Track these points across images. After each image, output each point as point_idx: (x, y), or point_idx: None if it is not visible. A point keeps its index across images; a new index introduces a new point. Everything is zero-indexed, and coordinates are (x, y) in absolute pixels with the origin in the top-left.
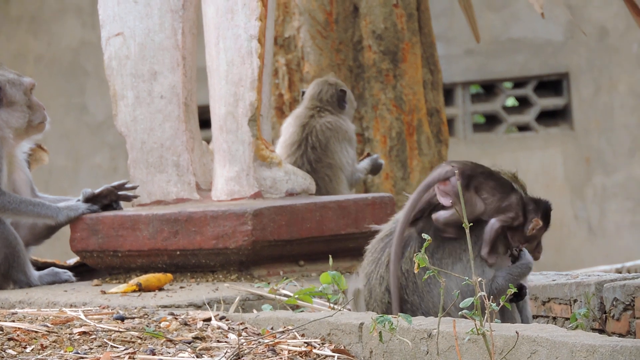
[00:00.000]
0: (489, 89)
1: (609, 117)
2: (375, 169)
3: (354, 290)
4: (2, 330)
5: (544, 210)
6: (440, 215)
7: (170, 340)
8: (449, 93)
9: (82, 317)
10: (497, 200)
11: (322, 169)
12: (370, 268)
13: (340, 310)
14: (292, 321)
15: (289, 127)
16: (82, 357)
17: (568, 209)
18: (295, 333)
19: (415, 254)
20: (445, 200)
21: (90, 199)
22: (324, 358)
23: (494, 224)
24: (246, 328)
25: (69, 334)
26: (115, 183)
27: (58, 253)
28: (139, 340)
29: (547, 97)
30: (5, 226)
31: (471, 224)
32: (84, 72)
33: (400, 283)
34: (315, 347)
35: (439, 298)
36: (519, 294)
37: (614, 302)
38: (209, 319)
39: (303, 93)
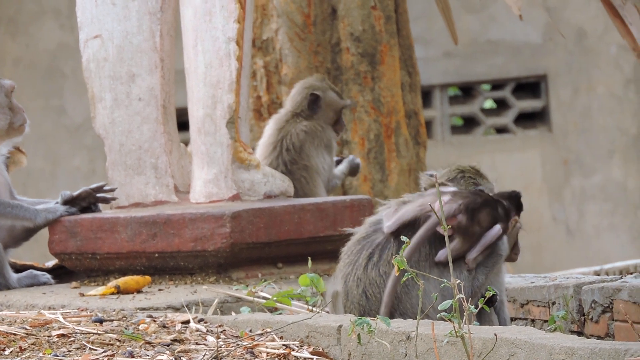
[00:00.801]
0: (467, 91)
1: (587, 119)
2: (353, 170)
3: (333, 293)
4: None
5: (516, 204)
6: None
7: (149, 343)
8: (427, 95)
9: (61, 319)
10: (491, 221)
11: (297, 171)
12: (347, 270)
13: (318, 312)
14: (271, 323)
15: (267, 129)
16: None
17: (546, 211)
18: (274, 335)
19: (393, 257)
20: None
21: (68, 202)
22: None
23: (498, 230)
24: (225, 330)
25: (48, 336)
26: (94, 185)
27: (36, 255)
28: (118, 343)
29: (525, 99)
30: None
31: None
32: (62, 75)
33: (378, 285)
34: (293, 350)
35: (417, 300)
36: (490, 300)
37: (593, 305)
38: (188, 322)
39: None
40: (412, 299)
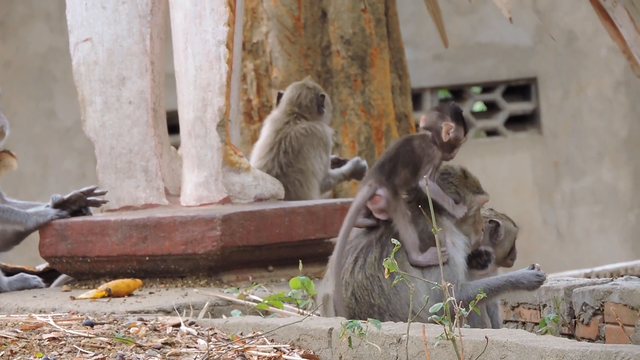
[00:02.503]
0: (457, 93)
1: (577, 121)
2: (358, 172)
3: (323, 296)
4: None
5: (451, 112)
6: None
7: (140, 346)
8: (417, 98)
9: (52, 322)
10: (413, 169)
11: (292, 174)
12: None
13: (309, 315)
14: (262, 326)
15: (264, 131)
16: None
17: (537, 213)
18: (265, 338)
19: (385, 260)
20: (383, 216)
21: (59, 205)
22: None
23: (430, 185)
24: (215, 333)
25: (39, 339)
26: (84, 189)
27: (27, 259)
28: (109, 346)
29: (516, 102)
30: None
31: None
32: (52, 78)
33: (367, 287)
34: (284, 353)
35: (407, 300)
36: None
37: (583, 307)
38: (179, 325)
39: (279, 95)
40: (401, 300)
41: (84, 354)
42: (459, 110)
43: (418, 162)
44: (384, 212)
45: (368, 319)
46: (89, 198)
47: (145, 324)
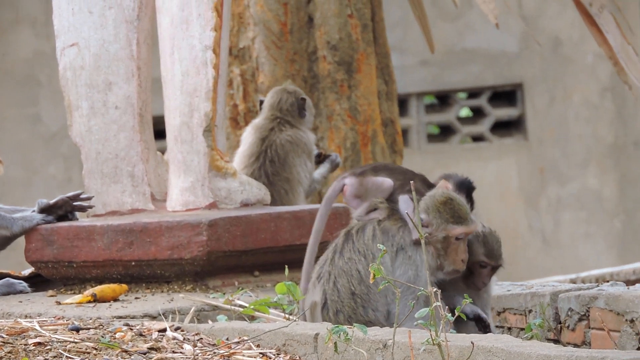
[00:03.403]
0: (444, 99)
1: (563, 127)
2: (334, 168)
3: (311, 303)
4: None
5: (458, 179)
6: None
7: (126, 351)
8: (403, 103)
9: (37, 327)
10: (395, 173)
11: (279, 182)
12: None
13: (295, 320)
14: (248, 332)
15: (248, 137)
16: None
17: (522, 219)
18: (251, 344)
19: (371, 266)
20: (356, 203)
21: (45, 210)
22: None
23: (403, 197)
24: (201, 339)
25: (24, 344)
26: (71, 194)
27: (13, 264)
28: (95, 351)
29: (502, 108)
30: None
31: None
32: (37, 83)
33: (347, 272)
34: (270, 358)
35: (383, 290)
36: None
37: (569, 313)
38: (164, 330)
39: (261, 102)
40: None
41: (69, 359)
42: (467, 185)
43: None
44: (357, 198)
45: (354, 324)
46: (75, 203)
47: (131, 329)
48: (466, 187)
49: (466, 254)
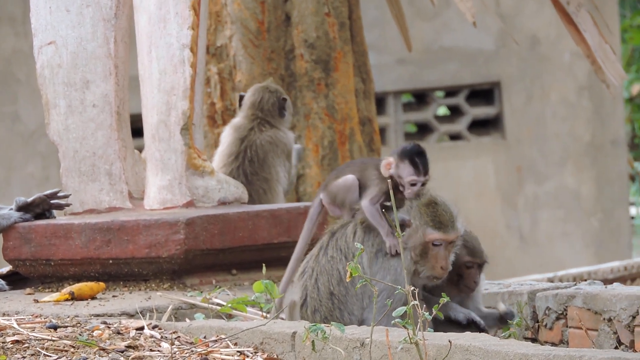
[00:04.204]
0: (421, 98)
1: (540, 126)
2: (300, 158)
3: (290, 303)
4: None
5: (400, 150)
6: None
7: (103, 349)
8: (380, 102)
9: (15, 325)
10: (358, 171)
11: (257, 182)
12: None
13: (273, 319)
14: (225, 330)
15: (227, 137)
16: None
17: (500, 218)
18: (228, 342)
19: (348, 264)
20: (338, 211)
21: (23, 208)
22: None
23: (364, 203)
24: (179, 337)
25: (2, 342)
26: (48, 192)
27: None
28: (72, 349)
29: (479, 106)
30: None
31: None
32: (16, 81)
33: (328, 272)
34: (248, 356)
35: (360, 292)
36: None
37: (547, 311)
38: (142, 328)
39: (241, 98)
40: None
41: (47, 357)
42: (409, 151)
43: (366, 182)
44: (334, 206)
45: (332, 322)
46: (52, 201)
47: (109, 327)
48: (409, 154)
49: (446, 262)
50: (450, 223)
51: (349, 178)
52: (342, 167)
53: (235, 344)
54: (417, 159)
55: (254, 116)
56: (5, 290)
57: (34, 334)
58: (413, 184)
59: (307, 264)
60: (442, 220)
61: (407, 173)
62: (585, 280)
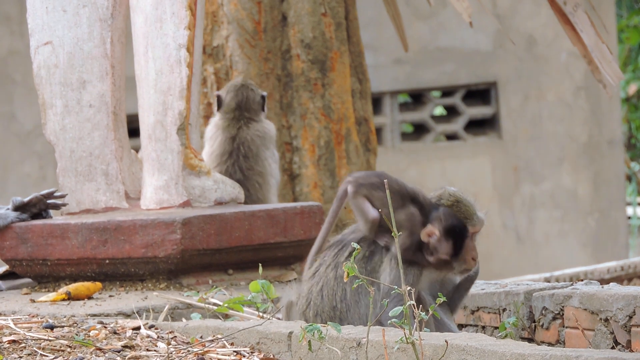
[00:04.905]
0: (417, 98)
1: (537, 126)
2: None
3: (287, 303)
4: None
5: (446, 225)
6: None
7: (100, 349)
8: (377, 102)
9: (12, 325)
10: (400, 201)
11: (253, 177)
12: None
13: (269, 319)
14: (222, 330)
15: (216, 137)
16: None
17: (496, 218)
18: (225, 342)
19: (344, 264)
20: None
21: (19, 208)
22: None
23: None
24: (175, 337)
25: None
26: (44, 191)
27: None
28: (69, 349)
29: (475, 106)
30: None
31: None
32: (12, 81)
33: (333, 288)
34: (244, 356)
35: (365, 311)
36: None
37: (543, 311)
38: (138, 328)
39: (218, 97)
40: (360, 309)
41: (44, 357)
42: (458, 233)
43: (398, 221)
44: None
45: (328, 322)
46: (49, 201)
47: (105, 327)
48: (458, 236)
49: (476, 252)
50: (475, 215)
51: (373, 215)
52: (379, 183)
53: (232, 344)
54: (460, 241)
55: (240, 116)
56: (1, 290)
57: (30, 334)
58: (445, 260)
59: (319, 267)
60: (469, 214)
61: (445, 251)
62: (582, 280)
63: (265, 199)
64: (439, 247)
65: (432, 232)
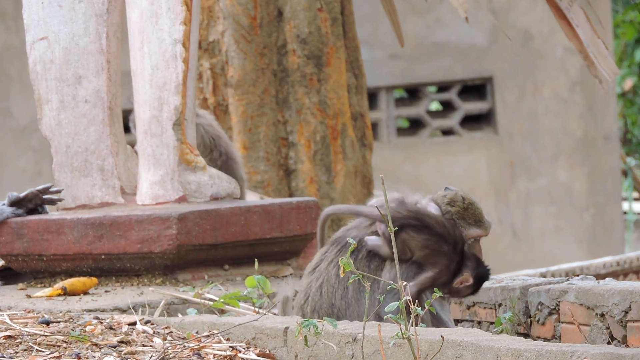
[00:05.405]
0: (413, 93)
1: (533, 121)
2: None
3: (283, 298)
4: None
5: (479, 274)
6: (370, 240)
7: (96, 344)
8: (373, 97)
9: (8, 321)
10: (425, 257)
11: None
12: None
13: (265, 314)
14: (217, 325)
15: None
16: None
17: (492, 213)
18: (221, 337)
19: (340, 260)
20: (377, 238)
21: (15, 203)
22: None
23: (411, 287)
24: (171, 332)
25: None
26: (40, 187)
27: None
28: (65, 344)
29: (471, 102)
30: None
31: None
32: (7, 77)
33: (333, 285)
34: (240, 351)
35: (364, 310)
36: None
37: (539, 307)
38: (134, 323)
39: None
40: (360, 307)
41: (39, 352)
42: (485, 275)
43: (425, 255)
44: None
45: (324, 317)
46: (45, 196)
47: (101, 323)
48: (484, 279)
49: (481, 254)
50: (485, 219)
51: (383, 251)
52: (421, 207)
53: (228, 339)
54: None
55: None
56: None
57: (26, 330)
58: (465, 293)
59: (320, 263)
60: (479, 217)
61: (469, 292)
62: (578, 275)
63: (242, 189)
64: (465, 290)
65: (466, 280)
